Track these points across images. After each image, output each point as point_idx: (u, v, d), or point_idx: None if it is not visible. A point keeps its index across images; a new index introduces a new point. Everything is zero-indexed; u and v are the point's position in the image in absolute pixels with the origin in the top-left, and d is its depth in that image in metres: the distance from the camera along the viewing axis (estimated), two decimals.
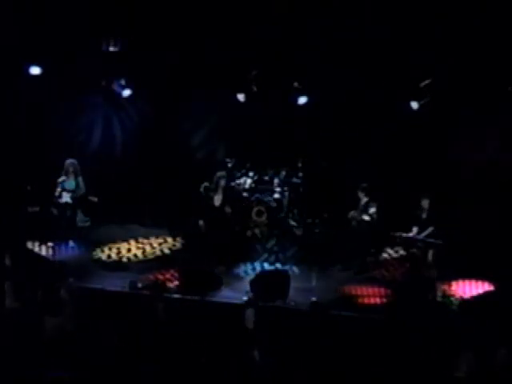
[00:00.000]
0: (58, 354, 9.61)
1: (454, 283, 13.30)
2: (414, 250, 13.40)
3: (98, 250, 14.67)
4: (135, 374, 9.34)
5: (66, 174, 14.36)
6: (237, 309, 11.55)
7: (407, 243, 13.63)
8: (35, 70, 15.44)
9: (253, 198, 15.37)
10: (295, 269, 14.05)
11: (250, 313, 10.99)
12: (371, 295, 12.98)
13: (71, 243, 14.51)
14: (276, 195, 15.53)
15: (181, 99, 16.21)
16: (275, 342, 10.38)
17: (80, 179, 14.44)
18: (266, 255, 14.61)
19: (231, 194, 14.70)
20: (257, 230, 15.15)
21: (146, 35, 15.15)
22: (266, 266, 14.27)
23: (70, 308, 11.06)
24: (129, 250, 14.83)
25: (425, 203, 13.41)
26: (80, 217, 14.90)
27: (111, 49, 15.25)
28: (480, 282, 13.37)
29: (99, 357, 9.60)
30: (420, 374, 9.65)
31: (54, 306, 10.92)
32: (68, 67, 15.31)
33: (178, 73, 15.45)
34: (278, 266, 14.23)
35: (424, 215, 13.41)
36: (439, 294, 12.72)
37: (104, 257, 14.47)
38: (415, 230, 13.41)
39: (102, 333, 10.35)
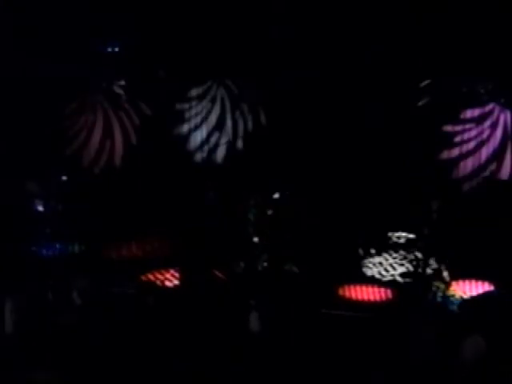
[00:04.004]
0: (57, 354, 9.65)
1: (454, 283, 13.32)
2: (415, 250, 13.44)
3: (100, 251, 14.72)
4: (134, 373, 9.36)
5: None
6: (239, 309, 11.58)
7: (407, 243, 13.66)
8: None
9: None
10: (295, 269, 14.07)
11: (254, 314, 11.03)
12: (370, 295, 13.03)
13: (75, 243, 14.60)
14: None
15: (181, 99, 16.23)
16: (276, 341, 10.42)
17: None
18: (265, 255, 14.64)
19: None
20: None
21: (146, 35, 15.19)
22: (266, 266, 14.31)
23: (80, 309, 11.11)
24: (129, 251, 14.87)
25: (434, 204, 13.32)
26: None
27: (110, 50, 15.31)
28: (480, 282, 13.38)
29: (96, 357, 9.63)
30: (419, 374, 9.68)
31: (64, 307, 10.98)
32: (68, 67, 15.34)
33: (178, 72, 15.49)
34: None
35: (434, 216, 13.33)
36: (439, 293, 12.75)
37: (105, 257, 14.51)
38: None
39: (101, 332, 10.38)
